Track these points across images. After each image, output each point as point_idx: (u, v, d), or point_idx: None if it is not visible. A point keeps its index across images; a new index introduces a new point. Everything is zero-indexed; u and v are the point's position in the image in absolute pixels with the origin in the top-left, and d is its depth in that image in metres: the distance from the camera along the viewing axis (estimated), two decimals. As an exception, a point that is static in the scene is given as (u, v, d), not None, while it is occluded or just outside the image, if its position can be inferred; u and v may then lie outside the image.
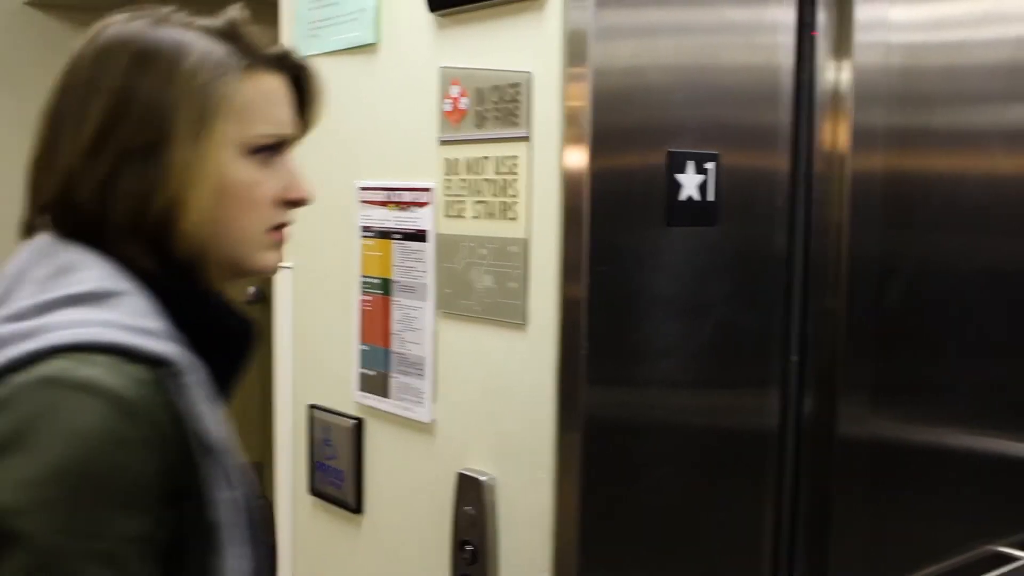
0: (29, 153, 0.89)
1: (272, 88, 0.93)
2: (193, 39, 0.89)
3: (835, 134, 1.28)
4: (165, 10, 0.92)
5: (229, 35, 0.91)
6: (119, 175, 0.85)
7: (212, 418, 0.83)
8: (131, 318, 0.81)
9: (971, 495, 1.57)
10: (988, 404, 1.57)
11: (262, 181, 0.91)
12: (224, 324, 0.91)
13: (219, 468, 0.81)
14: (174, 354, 0.80)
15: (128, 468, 0.75)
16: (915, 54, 1.38)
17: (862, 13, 1.27)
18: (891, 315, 1.39)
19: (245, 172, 0.90)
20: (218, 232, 0.89)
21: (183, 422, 0.79)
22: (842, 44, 1.27)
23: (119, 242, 0.85)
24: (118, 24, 0.89)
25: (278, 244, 0.95)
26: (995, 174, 1.53)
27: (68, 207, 0.86)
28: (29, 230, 0.90)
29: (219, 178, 0.87)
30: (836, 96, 1.28)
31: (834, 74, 1.27)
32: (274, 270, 0.97)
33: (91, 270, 0.84)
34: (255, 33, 0.93)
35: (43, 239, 0.87)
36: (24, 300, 0.81)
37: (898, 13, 1.34)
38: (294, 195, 0.94)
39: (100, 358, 0.77)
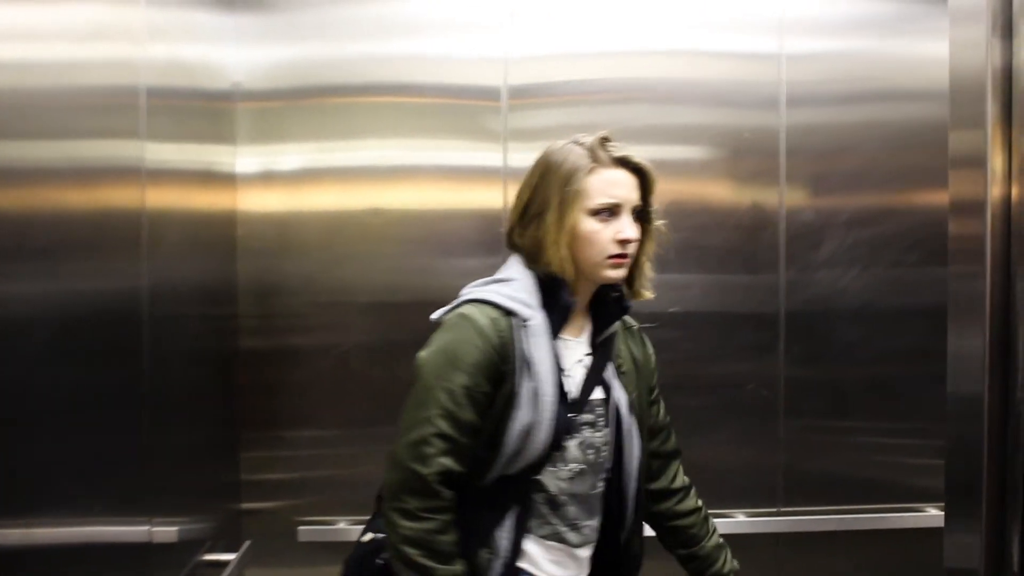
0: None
1: (611, 178, 1.74)
2: (570, 153, 1.75)
3: None
4: (579, 135, 1.80)
5: (594, 147, 1.75)
6: (528, 228, 1.78)
7: (538, 346, 1.70)
8: (513, 291, 1.75)
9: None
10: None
11: (600, 231, 1.73)
12: (560, 300, 1.74)
13: (529, 372, 1.69)
14: (521, 310, 1.72)
15: (467, 354, 1.68)
16: None
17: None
18: None
19: (588, 226, 1.73)
20: (577, 258, 1.75)
21: (515, 344, 1.70)
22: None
23: (528, 259, 1.79)
24: (551, 145, 1.80)
25: (615, 266, 1.75)
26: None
27: (511, 241, 1.84)
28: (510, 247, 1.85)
29: (573, 230, 1.73)
30: None
31: None
32: (615, 279, 1.79)
33: (511, 268, 1.81)
34: (610, 145, 1.76)
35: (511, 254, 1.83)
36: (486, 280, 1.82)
37: None
38: (620, 237, 1.73)
39: (486, 307, 1.73)
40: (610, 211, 1.73)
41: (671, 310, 2.72)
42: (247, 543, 2.46)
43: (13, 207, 1.29)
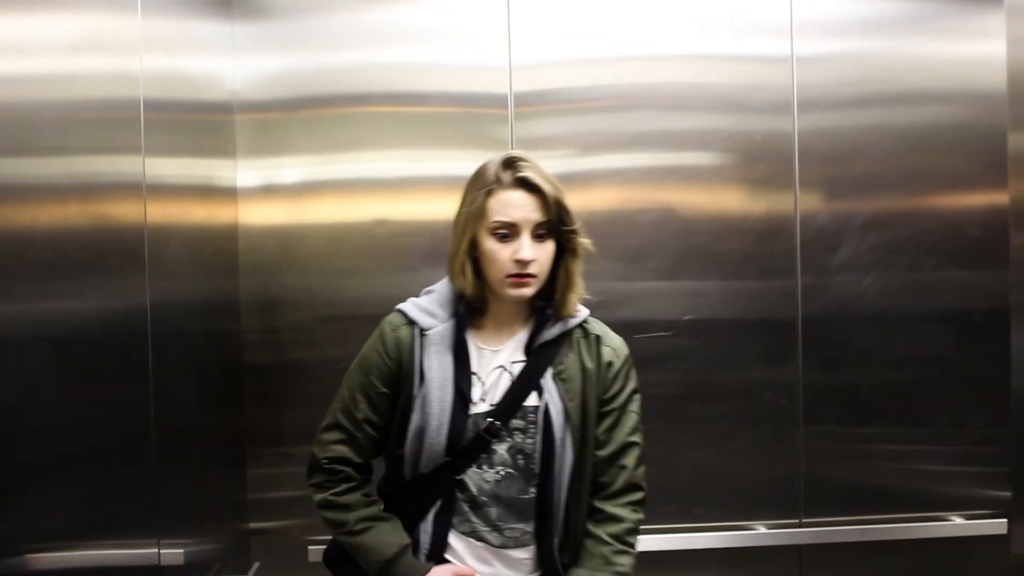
0: None
1: (507, 199, 1.75)
2: (482, 173, 1.80)
3: None
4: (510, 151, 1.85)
5: (498, 168, 1.78)
6: (454, 241, 1.82)
7: (431, 354, 1.80)
8: (426, 302, 1.87)
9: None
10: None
11: (499, 250, 1.76)
12: (459, 312, 1.84)
13: (423, 378, 1.78)
14: (422, 320, 1.83)
15: (369, 358, 1.84)
16: None
17: None
18: None
19: (489, 245, 1.76)
20: (485, 275, 1.81)
21: (413, 352, 1.81)
22: None
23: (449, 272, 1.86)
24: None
25: (515, 285, 1.77)
26: None
27: None
28: None
29: (481, 247, 1.78)
30: None
31: None
32: (517, 298, 1.80)
33: (442, 280, 1.89)
34: (519, 164, 1.77)
35: None
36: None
37: None
38: (516, 258, 1.74)
39: (397, 316, 1.87)
40: (507, 231, 1.76)
41: (686, 318, 2.67)
42: (256, 565, 2.41)
43: (13, 223, 1.24)
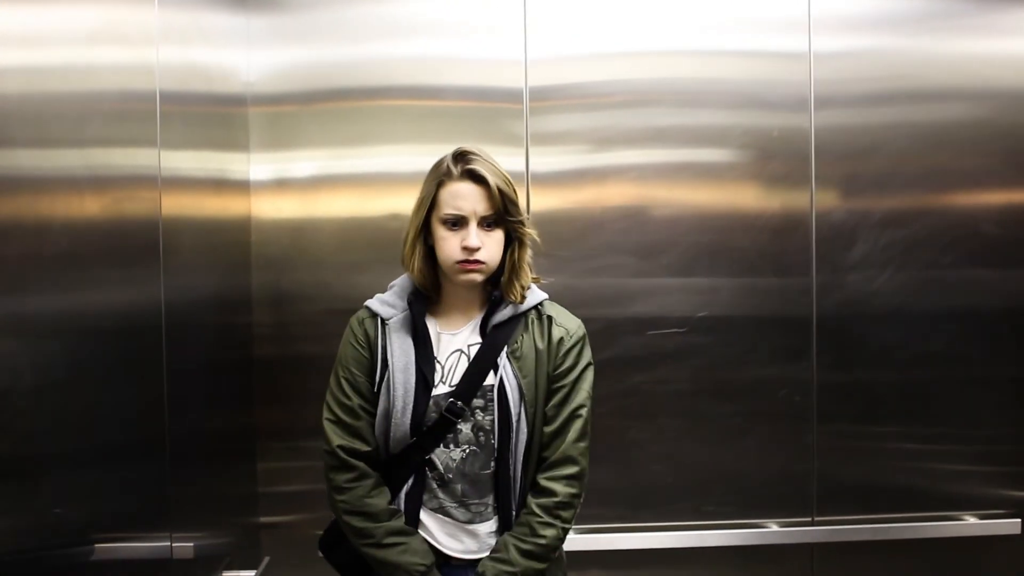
0: None
1: (455, 191, 1.87)
2: (437, 167, 1.92)
3: None
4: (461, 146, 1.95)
5: (449, 161, 1.90)
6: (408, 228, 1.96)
7: (393, 340, 1.92)
8: (387, 295, 2.00)
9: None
10: None
11: (448, 238, 1.87)
12: (420, 295, 1.99)
13: (389, 364, 1.89)
14: (382, 311, 1.96)
15: (345, 350, 1.97)
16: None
17: None
18: None
19: (440, 233, 1.89)
20: (439, 260, 1.91)
21: (378, 340, 1.93)
22: None
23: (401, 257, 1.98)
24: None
25: (464, 271, 1.88)
26: None
27: None
28: None
29: (434, 235, 1.90)
30: None
31: None
32: (467, 283, 1.91)
33: (402, 276, 2.02)
34: (465, 159, 1.89)
35: None
36: None
37: None
38: (464, 245, 1.86)
39: (362, 311, 1.99)
40: (456, 221, 1.88)
41: (700, 315, 2.65)
42: (266, 559, 2.40)
43: (30, 214, 1.24)
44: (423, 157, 2.59)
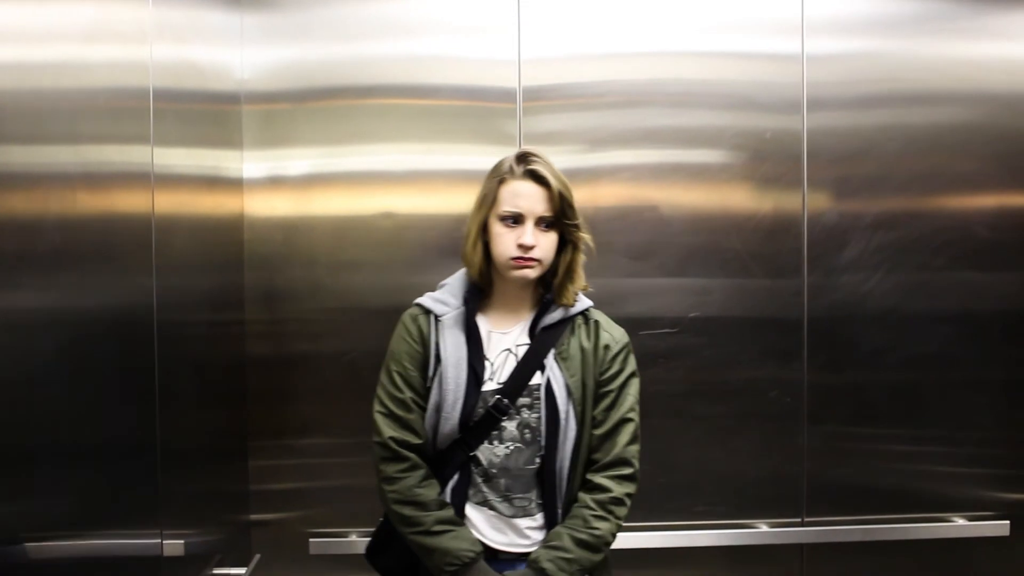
0: None
1: (516, 189, 1.95)
2: (499, 165, 2.01)
3: None
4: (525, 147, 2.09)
5: (512, 161, 1.99)
6: (468, 224, 2.04)
7: (446, 336, 1.99)
8: (440, 293, 2.07)
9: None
10: None
11: (504, 235, 1.95)
12: (475, 293, 2.05)
13: (441, 359, 1.97)
14: (435, 307, 2.03)
15: (397, 346, 2.04)
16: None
17: None
18: None
19: (497, 230, 1.97)
20: (493, 257, 2.00)
21: (431, 336, 2.01)
22: None
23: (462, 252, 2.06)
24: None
25: (517, 267, 1.95)
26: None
27: None
28: None
29: (490, 231, 1.98)
30: None
31: None
32: (520, 279, 1.98)
33: (452, 275, 2.11)
34: (528, 160, 1.97)
35: None
36: None
37: None
38: (519, 243, 1.93)
39: (415, 308, 2.07)
40: (514, 219, 1.96)
41: (691, 315, 2.66)
42: (257, 557, 2.40)
43: (23, 211, 1.24)
44: (416, 156, 2.61)
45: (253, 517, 2.65)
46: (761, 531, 2.70)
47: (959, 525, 2.73)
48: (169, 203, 1.88)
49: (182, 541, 1.93)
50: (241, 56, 2.57)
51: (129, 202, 1.68)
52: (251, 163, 2.59)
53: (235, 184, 2.54)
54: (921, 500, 2.76)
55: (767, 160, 2.67)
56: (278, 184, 2.61)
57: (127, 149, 1.67)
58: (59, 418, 1.34)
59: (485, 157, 2.59)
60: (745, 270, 2.68)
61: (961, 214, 2.72)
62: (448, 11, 2.61)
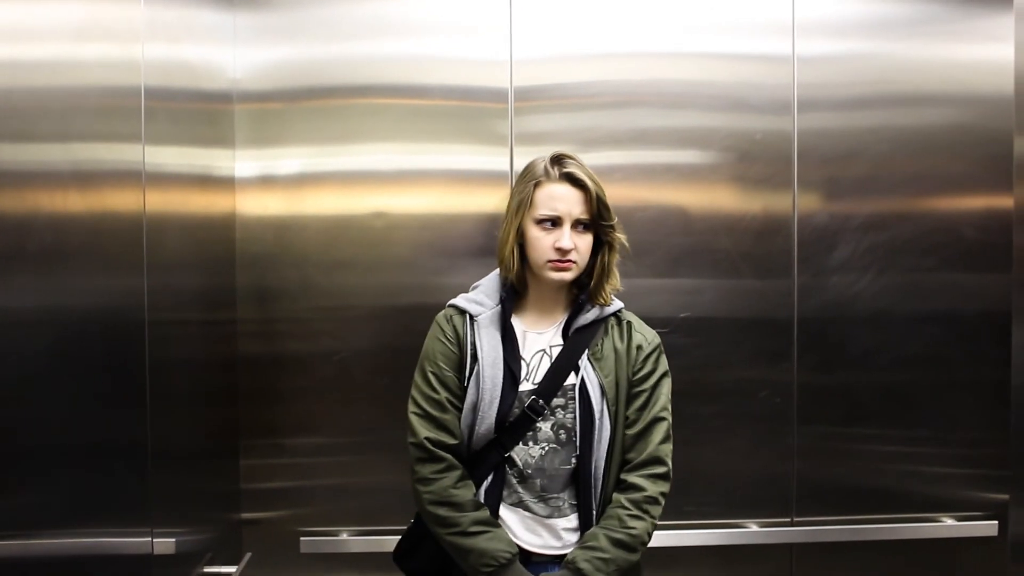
0: None
1: (552, 192, 1.98)
2: (533, 167, 2.04)
3: None
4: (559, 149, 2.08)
5: (548, 163, 2.01)
6: (504, 228, 2.08)
7: (482, 337, 2.00)
8: (474, 294, 2.10)
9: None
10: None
11: (542, 238, 1.98)
12: (511, 294, 2.07)
13: (478, 359, 1.98)
14: (471, 308, 2.06)
15: (432, 347, 2.06)
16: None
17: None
18: None
19: (533, 232, 1.99)
20: (529, 260, 2.03)
21: (467, 336, 2.02)
22: None
23: (499, 256, 2.08)
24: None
25: (555, 269, 1.98)
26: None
27: None
28: None
29: (527, 234, 2.00)
30: None
31: None
32: (556, 281, 2.01)
33: (489, 275, 2.14)
34: (565, 160, 2.01)
35: None
36: None
37: None
38: (557, 245, 1.96)
39: (450, 309, 2.10)
40: (552, 221, 1.99)
41: (682, 315, 2.67)
42: (248, 555, 2.40)
43: (13, 209, 1.24)
44: (408, 156, 2.61)
45: (244, 516, 2.65)
46: (751, 531, 2.71)
47: (948, 525, 2.74)
48: (160, 202, 1.88)
49: (173, 539, 1.93)
50: (234, 55, 2.57)
51: (120, 201, 1.68)
52: (243, 162, 2.59)
53: (227, 183, 2.54)
54: (910, 500, 2.77)
55: (758, 161, 2.67)
56: (270, 183, 2.61)
57: (118, 148, 1.67)
58: (50, 417, 1.34)
59: (477, 157, 2.61)
60: (736, 271, 2.69)
61: (950, 215, 2.73)
62: (440, 11, 2.61)
